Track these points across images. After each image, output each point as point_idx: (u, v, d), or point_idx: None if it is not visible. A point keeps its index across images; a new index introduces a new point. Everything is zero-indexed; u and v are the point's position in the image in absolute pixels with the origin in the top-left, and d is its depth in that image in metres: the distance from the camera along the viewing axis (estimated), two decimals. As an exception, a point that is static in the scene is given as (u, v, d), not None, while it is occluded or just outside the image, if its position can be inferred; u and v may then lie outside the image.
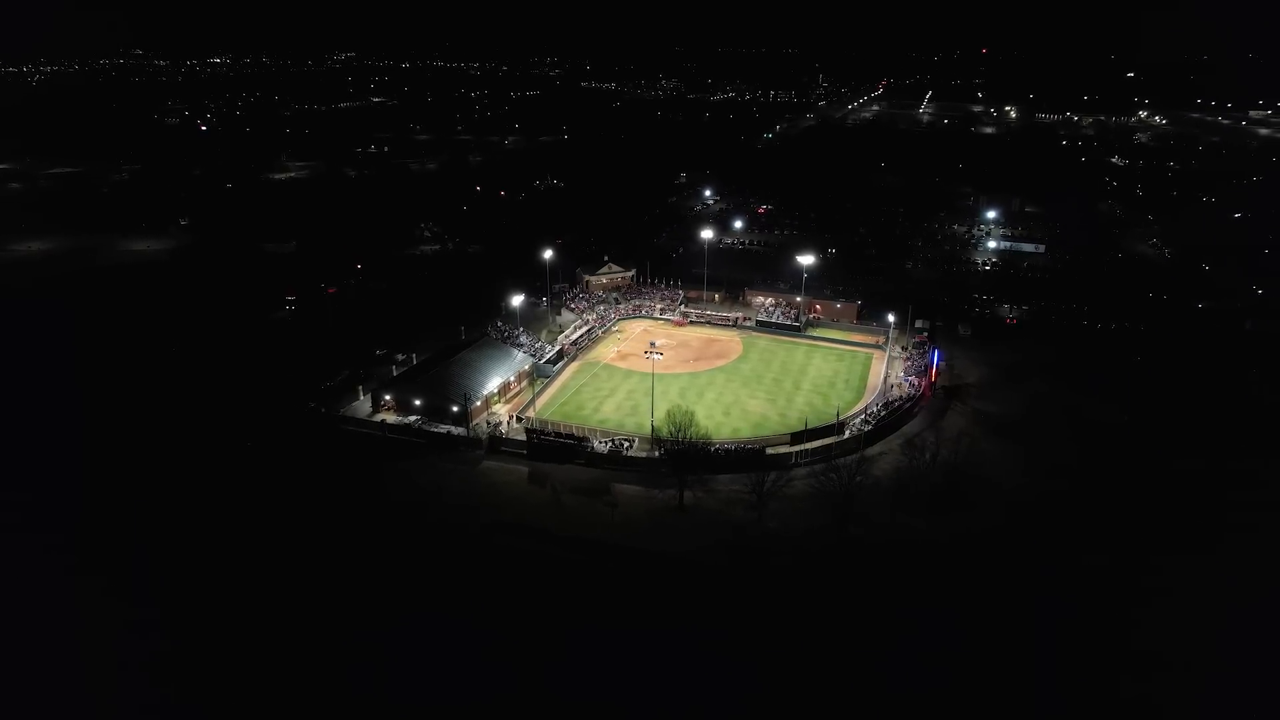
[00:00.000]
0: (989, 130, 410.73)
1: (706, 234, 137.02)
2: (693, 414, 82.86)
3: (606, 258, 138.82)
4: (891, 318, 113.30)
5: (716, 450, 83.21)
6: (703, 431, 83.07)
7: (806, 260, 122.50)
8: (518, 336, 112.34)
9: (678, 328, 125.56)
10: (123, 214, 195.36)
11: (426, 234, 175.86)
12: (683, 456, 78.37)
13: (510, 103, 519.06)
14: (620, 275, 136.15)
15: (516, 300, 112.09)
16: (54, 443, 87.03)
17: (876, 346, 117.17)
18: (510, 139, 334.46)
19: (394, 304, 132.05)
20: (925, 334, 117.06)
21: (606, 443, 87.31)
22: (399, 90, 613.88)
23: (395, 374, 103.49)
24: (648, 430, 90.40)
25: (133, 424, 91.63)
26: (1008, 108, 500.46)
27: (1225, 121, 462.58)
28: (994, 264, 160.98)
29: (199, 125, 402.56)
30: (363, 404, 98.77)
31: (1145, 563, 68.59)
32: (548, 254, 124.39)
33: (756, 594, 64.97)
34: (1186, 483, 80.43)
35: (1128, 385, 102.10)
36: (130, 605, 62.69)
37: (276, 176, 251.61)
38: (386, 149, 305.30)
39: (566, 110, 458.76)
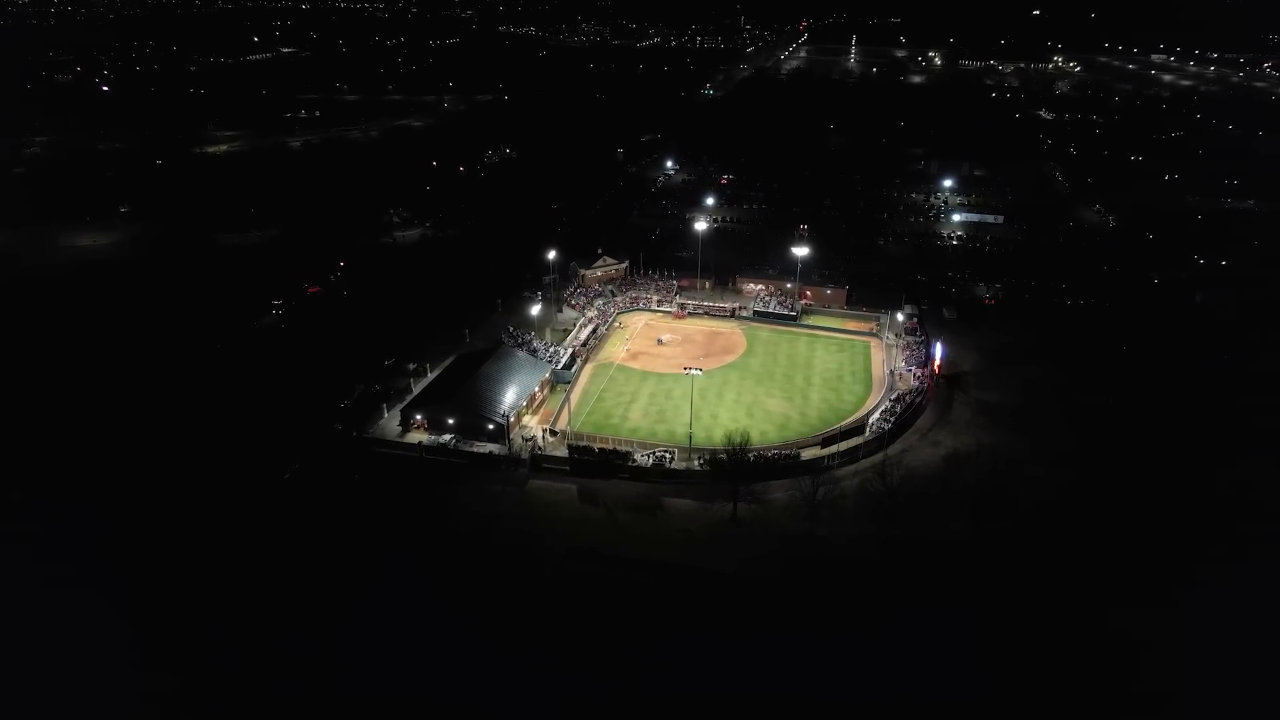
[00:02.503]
0: (918, 79, 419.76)
1: (700, 225, 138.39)
2: (748, 433, 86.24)
3: (600, 250, 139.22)
4: (901, 316, 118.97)
5: (759, 459, 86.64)
6: (750, 441, 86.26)
7: (801, 252, 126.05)
8: (531, 342, 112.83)
9: (677, 320, 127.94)
10: (53, 200, 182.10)
11: (396, 219, 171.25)
12: (738, 468, 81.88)
13: (432, 53, 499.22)
14: (614, 267, 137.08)
15: (535, 309, 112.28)
16: (74, 474, 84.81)
17: (872, 334, 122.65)
18: (447, 99, 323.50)
19: (386, 304, 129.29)
20: (915, 319, 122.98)
21: (649, 456, 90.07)
22: (306, 37, 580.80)
23: (416, 389, 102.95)
24: (680, 438, 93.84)
25: (157, 453, 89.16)
26: (931, 53, 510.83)
27: (1131, 67, 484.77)
28: (960, 238, 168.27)
29: (99, 84, 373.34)
30: (389, 422, 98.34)
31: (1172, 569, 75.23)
32: (551, 254, 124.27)
33: (826, 610, 69.70)
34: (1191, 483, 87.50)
35: (1113, 370, 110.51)
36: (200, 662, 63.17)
37: (210, 150, 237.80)
38: (318, 113, 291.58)
39: (494, 61, 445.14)
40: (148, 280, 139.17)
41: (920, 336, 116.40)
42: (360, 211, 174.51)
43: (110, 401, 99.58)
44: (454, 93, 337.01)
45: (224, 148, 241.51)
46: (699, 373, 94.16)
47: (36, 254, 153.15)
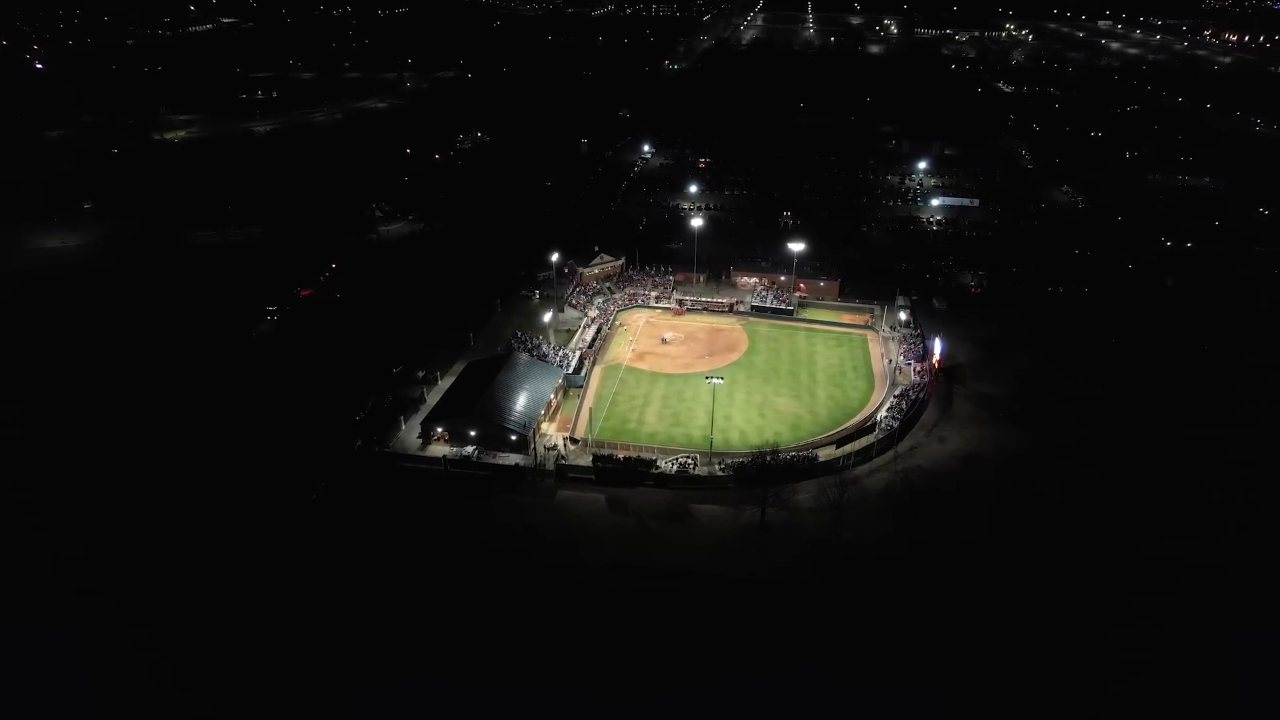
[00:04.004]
0: (876, 49, 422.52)
1: (696, 222, 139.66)
2: (775, 442, 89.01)
3: (597, 248, 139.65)
4: (903, 315, 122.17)
5: (779, 462, 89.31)
6: (780, 446, 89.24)
7: (797, 247, 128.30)
8: (539, 346, 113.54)
9: (677, 317, 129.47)
10: (11, 197, 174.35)
11: (379, 213, 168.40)
12: (764, 473, 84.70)
13: (382, 24, 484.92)
14: (611, 264, 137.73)
15: (546, 316, 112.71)
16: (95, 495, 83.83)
17: (867, 327, 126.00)
18: (408, 77, 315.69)
19: (383, 306, 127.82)
20: (908, 310, 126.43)
21: (672, 462, 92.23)
22: (246, 6, 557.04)
23: (429, 399, 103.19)
24: (697, 440, 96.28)
25: (181, 473, 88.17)
26: (887, 21, 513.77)
27: (1080, 34, 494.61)
28: (939, 222, 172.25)
29: (31, 61, 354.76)
30: (408, 435, 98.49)
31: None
32: (554, 256, 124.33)
33: (862, 616, 73.27)
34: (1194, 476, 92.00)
35: (1100, 359, 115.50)
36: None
37: (168, 137, 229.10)
38: (275, 94, 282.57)
39: (448, 33, 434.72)
40: (131, 285, 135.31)
41: (916, 330, 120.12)
42: (341, 205, 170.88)
43: (119, 416, 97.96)
44: (413, 69, 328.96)
45: (182, 134, 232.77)
46: (720, 381, 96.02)
47: (4, 260, 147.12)
